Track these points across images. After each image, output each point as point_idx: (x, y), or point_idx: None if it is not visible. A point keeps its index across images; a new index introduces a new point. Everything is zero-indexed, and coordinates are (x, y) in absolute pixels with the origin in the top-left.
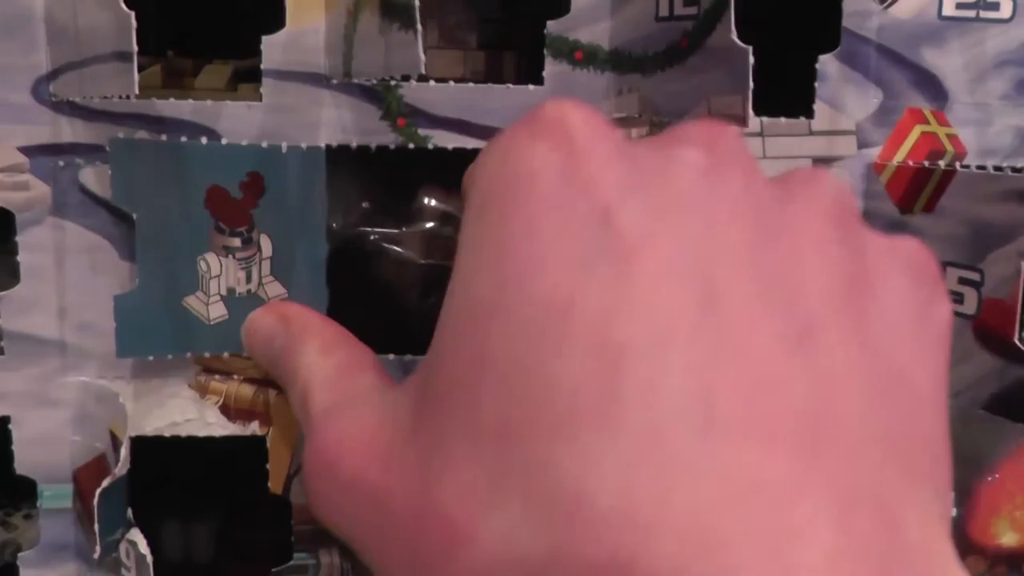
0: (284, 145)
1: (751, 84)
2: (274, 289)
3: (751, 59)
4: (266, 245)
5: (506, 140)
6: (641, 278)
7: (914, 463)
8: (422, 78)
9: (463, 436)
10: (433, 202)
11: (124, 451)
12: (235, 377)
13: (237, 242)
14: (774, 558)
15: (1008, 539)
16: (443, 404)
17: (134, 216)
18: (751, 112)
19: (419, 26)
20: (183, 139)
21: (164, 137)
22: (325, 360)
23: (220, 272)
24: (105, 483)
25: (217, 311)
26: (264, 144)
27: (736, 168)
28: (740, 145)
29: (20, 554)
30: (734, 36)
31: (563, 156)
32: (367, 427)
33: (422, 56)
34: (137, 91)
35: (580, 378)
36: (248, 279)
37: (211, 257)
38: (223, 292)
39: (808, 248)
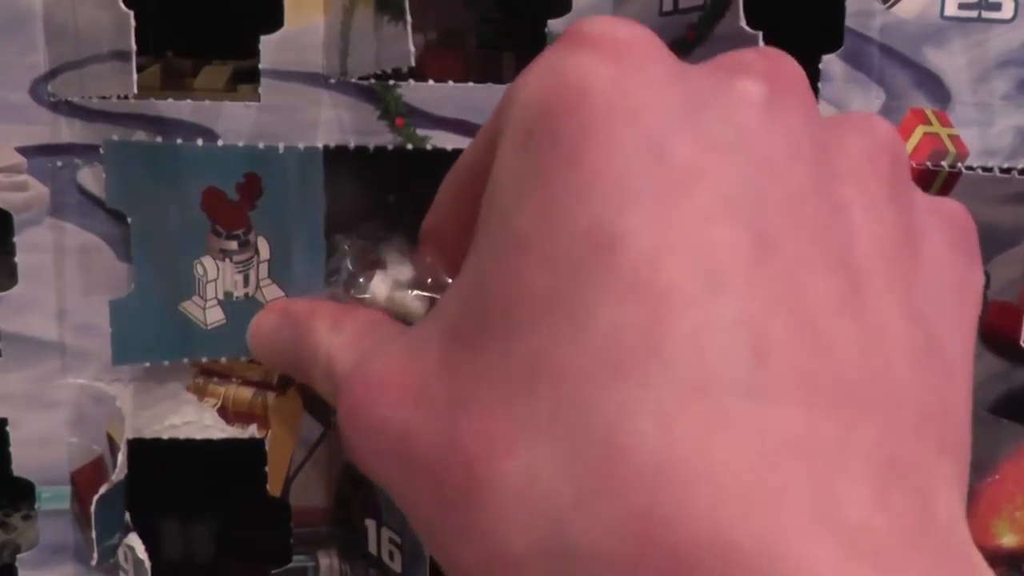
0: (281, 146)
1: None
2: (272, 292)
3: (761, 44)
4: (264, 248)
5: (549, 56)
6: (692, 217)
7: (944, 438)
8: (421, 77)
9: (492, 372)
10: (387, 283)
11: (121, 456)
12: (233, 380)
13: (234, 245)
14: (814, 526)
15: (1008, 540)
16: (472, 340)
17: (129, 219)
18: None
19: (408, 17)
20: (178, 141)
21: (160, 138)
22: (340, 333)
23: (217, 276)
24: (102, 490)
25: (214, 315)
26: (261, 145)
27: (797, 105)
28: (801, 78)
29: (19, 555)
30: (743, 22)
31: (612, 75)
32: (395, 366)
33: (412, 48)
34: (135, 90)
35: (622, 320)
36: (246, 282)
37: (208, 260)
38: (220, 296)
39: (860, 201)
